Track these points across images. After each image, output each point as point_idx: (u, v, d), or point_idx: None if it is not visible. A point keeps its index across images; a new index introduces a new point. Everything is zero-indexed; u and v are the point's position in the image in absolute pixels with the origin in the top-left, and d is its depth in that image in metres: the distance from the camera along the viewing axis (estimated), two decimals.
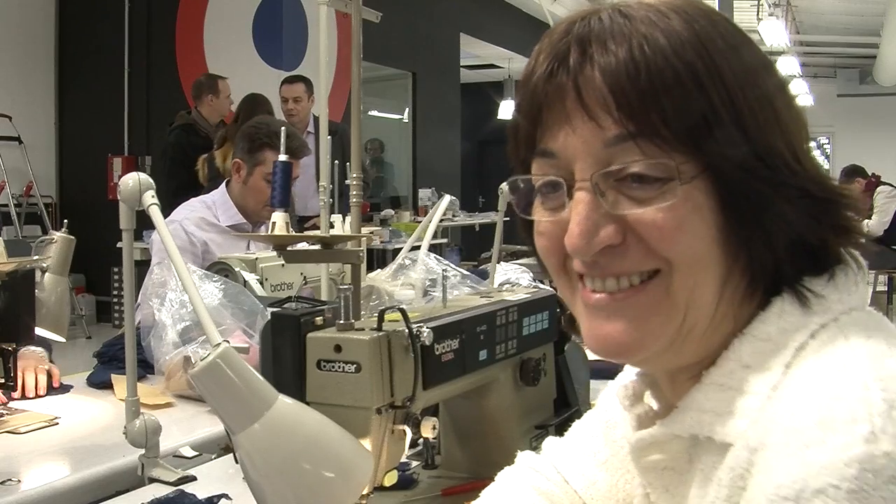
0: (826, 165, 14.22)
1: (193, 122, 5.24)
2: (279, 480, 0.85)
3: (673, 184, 0.62)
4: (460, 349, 1.11)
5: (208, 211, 2.66)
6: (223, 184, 2.77)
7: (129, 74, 7.31)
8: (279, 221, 1.12)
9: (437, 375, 1.07)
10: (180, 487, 1.29)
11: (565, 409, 1.41)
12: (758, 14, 8.46)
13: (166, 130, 5.33)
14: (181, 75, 6.95)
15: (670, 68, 0.62)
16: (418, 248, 2.09)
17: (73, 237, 1.85)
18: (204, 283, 1.82)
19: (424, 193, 8.55)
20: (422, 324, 1.03)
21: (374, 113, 10.05)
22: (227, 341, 0.88)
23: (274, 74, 5.99)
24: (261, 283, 2.01)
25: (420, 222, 3.05)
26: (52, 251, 1.82)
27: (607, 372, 0.94)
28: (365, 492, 0.98)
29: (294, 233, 1.17)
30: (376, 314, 1.01)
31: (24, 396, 1.82)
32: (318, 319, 1.02)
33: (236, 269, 2.00)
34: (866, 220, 7.19)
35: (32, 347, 1.90)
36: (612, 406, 0.85)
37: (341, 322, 1.00)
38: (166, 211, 1.35)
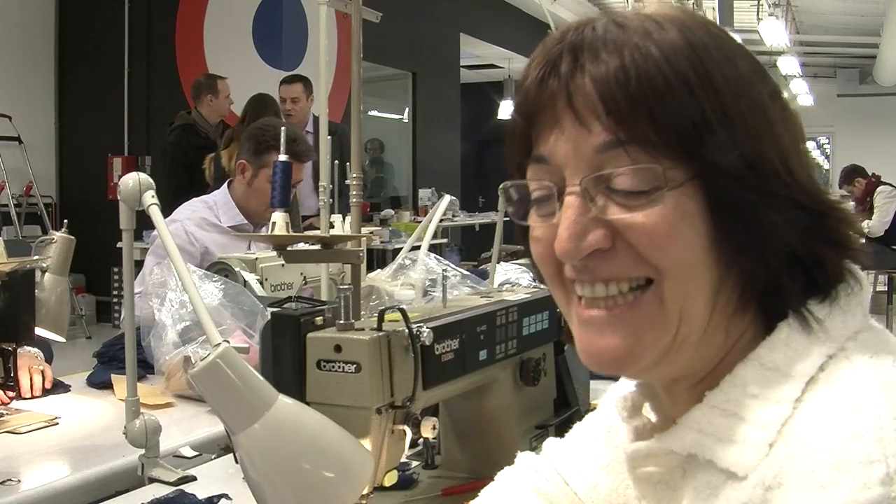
0: (826, 165, 14.24)
1: (193, 123, 5.24)
2: (279, 480, 0.85)
3: (660, 189, 0.62)
4: (460, 349, 1.11)
5: (210, 211, 2.66)
6: (225, 184, 2.77)
7: (129, 74, 7.32)
8: (279, 221, 1.12)
9: (437, 375, 1.07)
10: (180, 487, 1.29)
11: (565, 409, 1.41)
12: (758, 14, 8.45)
13: (166, 130, 5.33)
14: (181, 75, 6.96)
15: (661, 76, 0.62)
16: (418, 248, 2.09)
17: (73, 237, 1.86)
18: (204, 283, 1.82)
19: (424, 193, 8.55)
20: (422, 324, 1.03)
21: (374, 113, 10.05)
22: (227, 341, 0.88)
23: (274, 74, 5.99)
24: (261, 283, 2.01)
25: (420, 222, 3.05)
26: (52, 251, 1.82)
27: None
28: (365, 492, 0.98)
29: (294, 233, 1.17)
30: (376, 314, 1.01)
31: (19, 396, 1.82)
32: (318, 319, 1.02)
33: (236, 269, 2.00)
34: (866, 221, 7.19)
35: (28, 347, 1.90)
36: (614, 411, 0.85)
37: (341, 322, 1.00)
38: (166, 211, 1.35)
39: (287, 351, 1.00)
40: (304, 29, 6.62)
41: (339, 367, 0.97)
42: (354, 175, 1.37)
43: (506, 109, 11.19)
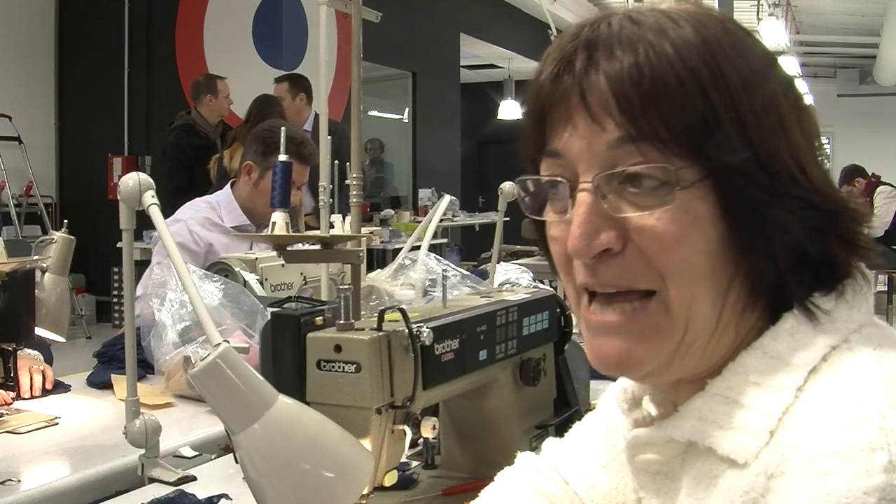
0: (826, 165, 14.19)
1: (193, 123, 5.25)
2: (279, 480, 0.85)
3: (671, 188, 0.62)
4: (460, 349, 1.11)
5: (213, 211, 2.66)
6: (228, 184, 2.77)
7: (129, 74, 7.32)
8: (279, 221, 1.12)
9: (437, 375, 1.07)
10: (180, 487, 1.29)
11: (565, 409, 1.41)
12: (758, 14, 8.46)
13: (166, 130, 5.34)
14: (181, 75, 6.96)
15: (673, 73, 0.62)
16: (418, 248, 2.09)
17: (73, 237, 1.86)
18: (204, 283, 1.82)
19: (424, 193, 8.55)
20: (422, 324, 1.03)
21: (374, 113, 10.05)
22: (227, 341, 0.88)
23: (274, 74, 5.99)
24: (261, 283, 2.01)
25: (420, 222, 3.05)
26: (52, 251, 1.82)
27: None
28: (365, 492, 0.98)
29: (294, 233, 1.17)
30: (376, 314, 1.01)
31: (19, 397, 1.82)
32: (318, 319, 1.02)
33: (236, 269, 2.00)
34: None
35: (27, 350, 1.90)
36: (612, 410, 0.85)
37: (341, 322, 1.00)
38: (166, 211, 1.35)
39: (287, 351, 1.00)
40: (304, 29, 6.62)
41: (339, 367, 0.97)
42: (354, 175, 1.37)
43: (506, 109, 11.19)
